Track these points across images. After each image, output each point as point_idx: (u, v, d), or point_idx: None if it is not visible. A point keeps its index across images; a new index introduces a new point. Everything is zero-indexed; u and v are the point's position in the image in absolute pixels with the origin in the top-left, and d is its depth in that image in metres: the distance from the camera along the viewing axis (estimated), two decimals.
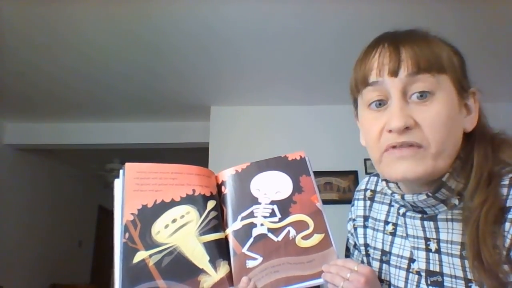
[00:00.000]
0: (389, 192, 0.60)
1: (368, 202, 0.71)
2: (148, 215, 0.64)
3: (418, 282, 0.57)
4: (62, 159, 4.53)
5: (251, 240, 0.66)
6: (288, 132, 3.15)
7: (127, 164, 0.68)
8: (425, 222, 0.57)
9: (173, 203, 0.66)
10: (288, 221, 0.68)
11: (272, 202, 0.70)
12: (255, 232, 0.67)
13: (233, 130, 3.20)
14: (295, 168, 0.73)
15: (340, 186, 3.02)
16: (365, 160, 3.07)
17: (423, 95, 0.50)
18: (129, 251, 0.60)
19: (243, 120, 3.25)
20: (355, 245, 0.73)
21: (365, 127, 0.57)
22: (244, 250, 0.65)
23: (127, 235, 0.61)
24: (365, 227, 0.70)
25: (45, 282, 4.38)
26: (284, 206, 0.69)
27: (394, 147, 0.52)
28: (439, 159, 0.51)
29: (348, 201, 3.08)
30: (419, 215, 0.57)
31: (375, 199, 0.70)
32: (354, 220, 0.73)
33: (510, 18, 2.08)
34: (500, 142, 0.54)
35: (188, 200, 0.67)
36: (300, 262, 0.64)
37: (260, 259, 0.64)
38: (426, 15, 2.05)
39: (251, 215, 0.69)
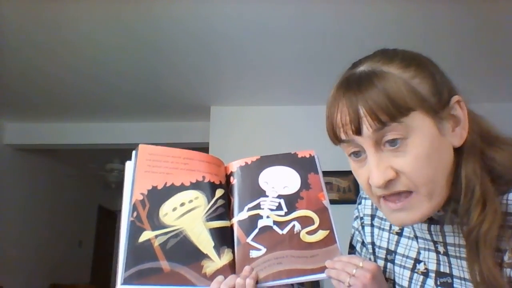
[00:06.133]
0: None
1: None
2: (157, 197, 0.65)
3: (423, 283, 0.57)
4: (62, 159, 4.53)
5: (256, 231, 0.67)
6: (288, 132, 3.15)
7: (141, 146, 0.69)
8: (432, 226, 0.57)
9: (182, 187, 0.67)
10: (294, 216, 0.68)
11: (280, 196, 0.70)
12: (261, 223, 0.68)
13: (233, 130, 3.20)
14: (304, 166, 0.74)
15: (340, 186, 3.02)
16: None
17: (395, 143, 0.49)
18: (135, 229, 0.61)
19: (243, 120, 3.25)
20: (363, 243, 0.74)
21: (354, 172, 0.57)
22: (249, 240, 0.66)
23: (135, 214, 0.62)
24: (372, 225, 0.70)
25: (45, 282, 4.38)
26: (291, 201, 0.70)
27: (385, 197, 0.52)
28: (433, 198, 0.50)
29: (348, 201, 3.08)
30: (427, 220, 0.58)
31: None
32: (361, 218, 0.73)
33: (510, 17, 2.08)
34: (494, 150, 0.52)
35: (198, 186, 0.68)
36: (303, 256, 0.64)
37: (263, 250, 0.65)
38: (425, 15, 2.06)
39: (258, 206, 0.69)
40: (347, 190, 3.01)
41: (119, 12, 2.04)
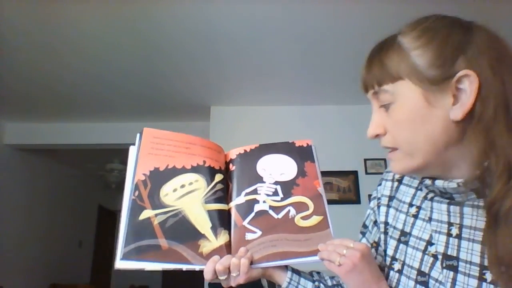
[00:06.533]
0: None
1: (395, 184, 0.72)
2: (159, 177, 0.67)
3: (432, 265, 0.58)
4: (62, 159, 4.54)
5: (253, 214, 0.69)
6: (288, 132, 3.16)
7: (145, 128, 0.71)
8: (451, 207, 0.58)
9: (183, 170, 0.69)
10: (289, 201, 0.71)
11: (276, 183, 0.73)
12: (257, 208, 0.70)
13: (233, 130, 3.20)
14: (301, 154, 0.77)
15: (340, 186, 3.02)
16: (365, 160, 3.08)
17: (384, 106, 0.58)
18: (136, 208, 0.63)
19: (243, 120, 3.26)
20: (375, 222, 0.75)
21: None
22: (245, 223, 0.68)
23: (136, 193, 0.64)
24: (388, 206, 0.71)
25: (45, 282, 4.38)
26: (287, 187, 0.73)
27: None
28: (415, 157, 0.56)
29: (348, 201, 3.08)
30: (447, 200, 0.58)
31: (403, 181, 0.71)
32: (379, 198, 0.74)
33: (510, 18, 2.08)
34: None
35: (198, 169, 0.70)
36: (297, 240, 0.67)
37: (259, 233, 0.68)
38: (420, 15, 2.05)
39: (255, 192, 0.72)
40: (347, 190, 3.01)
41: (119, 11, 2.04)
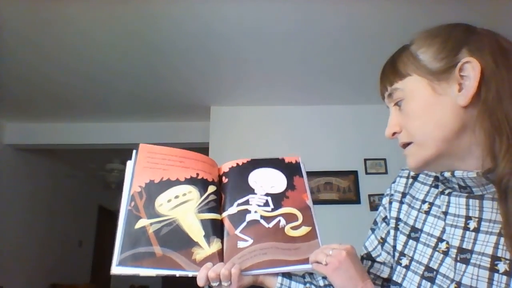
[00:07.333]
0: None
1: (410, 180, 0.73)
2: (153, 189, 0.70)
3: (442, 261, 0.59)
4: (62, 159, 4.54)
5: (244, 224, 0.72)
6: (288, 132, 3.16)
7: (141, 145, 0.75)
8: (470, 200, 0.58)
9: (177, 182, 0.72)
10: (280, 212, 0.75)
11: (267, 194, 0.77)
12: (249, 217, 0.73)
13: (233, 130, 3.20)
14: (290, 169, 0.82)
15: (340, 186, 3.02)
16: (365, 160, 3.08)
17: (397, 104, 0.62)
18: (132, 217, 0.67)
19: (243, 120, 3.25)
20: (384, 218, 0.76)
21: None
22: (237, 232, 0.71)
23: (132, 203, 0.68)
24: (401, 202, 0.72)
25: (45, 282, 4.39)
26: (277, 199, 0.76)
27: None
28: (426, 147, 0.58)
29: (348, 201, 3.08)
30: (465, 194, 0.59)
31: (418, 178, 0.72)
32: (392, 195, 0.75)
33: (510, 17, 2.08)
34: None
35: (192, 181, 0.73)
36: (287, 248, 0.70)
37: (250, 241, 0.70)
38: (428, 17, 2.05)
39: (247, 202, 0.75)
40: (347, 190, 3.01)
41: (118, 12, 2.05)
